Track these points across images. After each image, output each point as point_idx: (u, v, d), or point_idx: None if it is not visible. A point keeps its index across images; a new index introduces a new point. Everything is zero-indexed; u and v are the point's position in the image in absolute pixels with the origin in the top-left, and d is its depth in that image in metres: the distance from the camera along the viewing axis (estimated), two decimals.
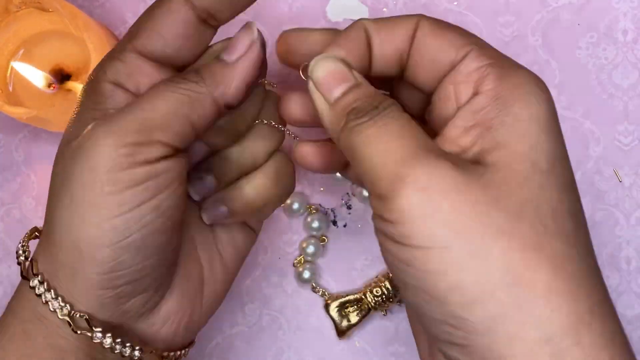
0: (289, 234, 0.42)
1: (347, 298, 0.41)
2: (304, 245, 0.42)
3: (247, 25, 0.30)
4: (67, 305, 0.27)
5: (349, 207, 0.42)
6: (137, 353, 0.28)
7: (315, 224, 0.42)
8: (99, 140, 0.26)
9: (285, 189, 0.33)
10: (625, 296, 0.41)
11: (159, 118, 0.26)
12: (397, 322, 0.42)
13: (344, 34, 0.29)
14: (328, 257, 0.42)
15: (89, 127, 0.26)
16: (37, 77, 0.40)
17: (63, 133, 0.29)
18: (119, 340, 0.28)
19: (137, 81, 0.28)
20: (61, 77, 0.42)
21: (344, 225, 0.42)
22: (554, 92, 0.42)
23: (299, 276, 0.42)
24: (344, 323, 0.41)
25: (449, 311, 0.23)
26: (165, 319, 0.30)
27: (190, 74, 0.28)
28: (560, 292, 0.22)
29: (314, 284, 0.42)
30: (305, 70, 0.29)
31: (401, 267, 0.24)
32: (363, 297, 0.41)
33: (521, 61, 0.42)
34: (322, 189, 0.43)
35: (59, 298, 0.27)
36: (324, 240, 0.42)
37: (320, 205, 0.43)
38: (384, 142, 0.24)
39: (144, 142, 0.26)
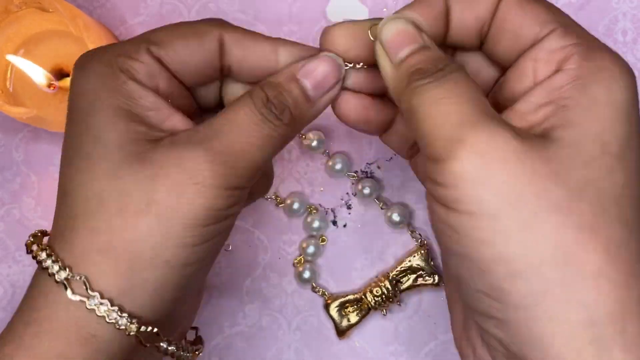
0: (288, 234, 0.42)
1: (347, 298, 0.41)
2: (304, 245, 0.42)
3: (332, 59, 0.28)
4: (135, 321, 0.25)
5: (349, 207, 0.42)
6: (187, 354, 0.29)
7: (316, 224, 0.42)
8: (217, 182, 0.25)
9: None
10: None
11: (263, 163, 0.27)
12: (397, 322, 0.42)
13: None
14: (328, 257, 0.42)
15: (197, 154, 0.25)
16: (36, 73, 0.40)
17: (84, 131, 0.26)
18: (174, 344, 0.28)
19: (156, 82, 0.28)
20: (61, 76, 0.42)
21: (344, 225, 0.42)
22: None
23: (299, 276, 0.42)
24: (344, 323, 0.41)
25: (491, 282, 0.22)
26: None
27: (287, 115, 0.27)
28: (610, 278, 0.21)
29: (314, 284, 0.42)
30: (373, 31, 0.28)
31: (448, 232, 0.23)
32: (363, 297, 0.41)
33: None
34: (321, 189, 0.43)
35: (126, 314, 0.25)
36: (324, 241, 0.42)
37: (320, 205, 0.43)
38: (446, 104, 0.24)
39: (247, 186, 0.27)
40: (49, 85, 0.41)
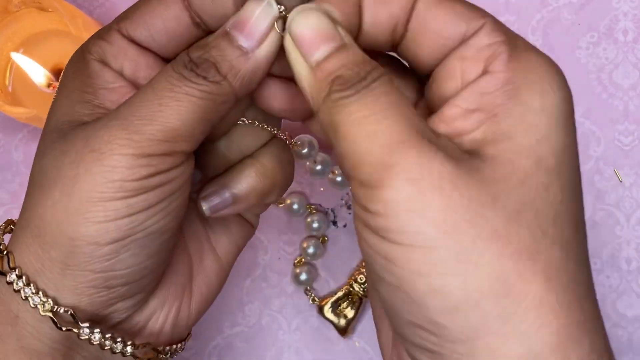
0: (288, 234, 0.42)
1: (336, 296, 0.41)
2: (305, 245, 0.42)
3: (262, 1, 0.25)
4: (50, 300, 0.25)
5: (349, 207, 0.42)
6: (129, 349, 0.26)
7: (315, 224, 0.42)
8: (119, 148, 0.24)
9: (289, 173, 0.31)
10: (626, 296, 0.41)
11: (183, 128, 0.24)
12: None
13: None
14: (328, 257, 0.42)
15: (103, 123, 0.24)
16: (37, 72, 0.40)
17: (47, 115, 0.27)
18: (108, 335, 0.26)
19: (122, 63, 0.27)
20: (60, 76, 0.41)
21: (344, 226, 0.42)
22: None
23: (295, 278, 0.41)
24: (342, 321, 0.41)
25: (427, 315, 0.21)
26: (148, 316, 0.28)
27: (211, 71, 0.25)
28: (551, 306, 0.20)
29: (308, 288, 0.41)
30: (282, 21, 0.25)
31: (380, 261, 0.22)
32: (351, 289, 0.41)
33: None
34: (322, 188, 0.43)
35: (40, 293, 0.25)
36: (324, 241, 0.42)
37: (320, 205, 0.42)
38: (371, 123, 0.22)
39: (166, 153, 0.24)
40: (49, 85, 0.40)
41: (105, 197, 0.24)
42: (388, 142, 0.21)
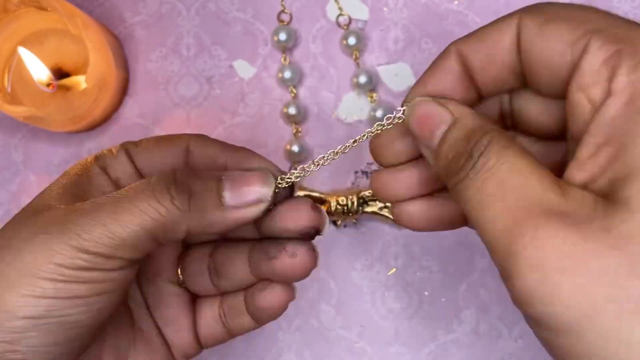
0: None
1: (313, 194, 0.41)
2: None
3: (265, 175, 0.27)
4: None
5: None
6: None
7: None
8: (66, 238, 0.24)
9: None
10: None
11: (130, 238, 0.24)
12: (397, 323, 0.41)
13: (432, 67, 0.25)
14: (328, 258, 0.42)
15: (62, 211, 0.25)
16: (39, 69, 0.40)
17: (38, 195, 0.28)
18: None
19: (118, 175, 0.29)
20: (60, 75, 0.41)
21: (344, 226, 0.42)
22: None
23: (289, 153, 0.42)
24: None
25: None
26: None
27: (181, 198, 0.25)
28: None
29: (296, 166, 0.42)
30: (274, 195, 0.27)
31: (542, 343, 0.21)
32: (328, 199, 0.41)
33: None
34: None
35: None
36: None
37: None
38: (485, 208, 0.21)
39: (107, 256, 0.24)
40: (48, 85, 0.40)
41: (38, 274, 0.24)
42: (506, 224, 0.20)
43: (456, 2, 0.43)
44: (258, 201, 0.26)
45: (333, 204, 0.41)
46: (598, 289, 0.19)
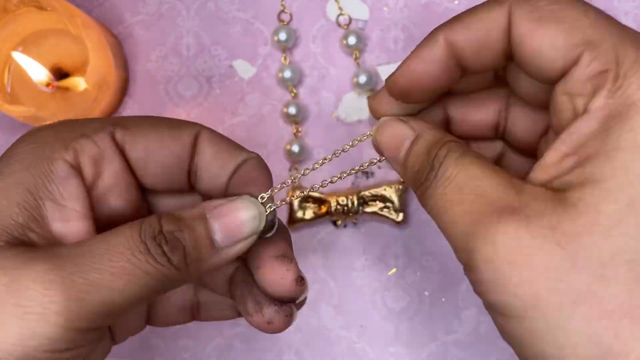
0: None
1: (313, 194, 0.41)
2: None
3: (253, 205, 0.25)
4: None
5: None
6: None
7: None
8: (51, 316, 0.20)
9: None
10: None
11: (123, 304, 0.22)
12: (397, 323, 0.41)
13: (418, 53, 0.25)
14: (328, 258, 0.42)
15: (44, 271, 0.21)
16: (37, 70, 0.40)
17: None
18: None
19: (100, 170, 0.24)
20: (59, 75, 0.41)
21: (344, 226, 0.42)
22: None
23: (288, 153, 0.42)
24: (299, 215, 0.41)
25: None
26: None
27: (177, 254, 0.23)
28: None
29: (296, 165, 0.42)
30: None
31: (497, 327, 0.23)
32: (328, 199, 0.41)
33: None
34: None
35: None
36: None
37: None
38: (447, 213, 0.23)
39: (95, 328, 0.22)
40: (48, 85, 0.40)
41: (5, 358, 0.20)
42: (464, 229, 0.22)
43: (456, 2, 0.43)
44: (249, 235, 0.25)
45: (333, 204, 0.41)
46: (542, 281, 0.20)
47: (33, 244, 0.22)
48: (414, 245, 0.42)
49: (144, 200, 0.27)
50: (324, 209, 0.41)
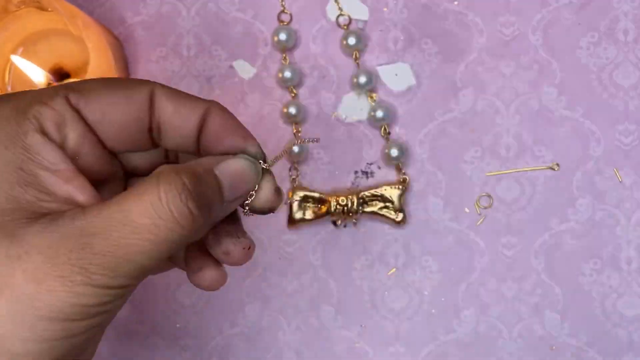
0: (288, 234, 0.42)
1: (312, 194, 0.41)
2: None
3: (251, 164, 0.26)
4: None
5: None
6: None
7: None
8: (89, 279, 0.22)
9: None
10: (626, 296, 0.41)
11: (152, 265, 0.23)
12: (397, 323, 0.41)
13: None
14: (328, 258, 0.42)
15: (74, 253, 0.22)
16: (36, 74, 0.40)
17: None
18: None
19: (65, 134, 0.24)
20: (60, 76, 0.41)
21: (344, 226, 0.42)
22: (554, 92, 0.42)
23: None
24: (299, 215, 0.41)
25: None
26: None
27: (202, 213, 0.23)
28: None
29: (296, 166, 0.41)
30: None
31: None
32: (328, 199, 0.41)
33: (521, 61, 0.42)
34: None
35: None
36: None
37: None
38: None
39: (130, 284, 0.23)
40: (48, 85, 0.40)
41: (61, 317, 0.22)
42: None
43: (456, 2, 0.43)
44: (249, 191, 0.26)
45: (333, 204, 0.41)
46: None
47: (53, 212, 0.23)
48: (414, 245, 0.42)
49: (114, 158, 0.27)
50: (324, 209, 0.41)
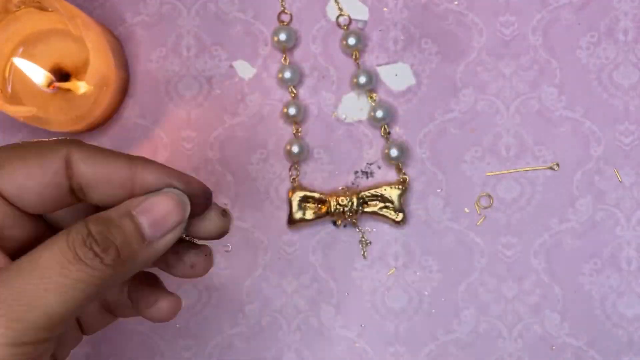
0: (289, 234, 0.42)
1: (312, 194, 0.41)
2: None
3: (175, 196, 0.25)
4: None
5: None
6: None
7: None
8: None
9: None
10: (626, 296, 0.41)
11: (68, 314, 0.23)
12: (397, 323, 0.41)
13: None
14: (328, 258, 0.42)
15: None
16: (36, 73, 0.40)
17: None
18: None
19: None
20: (60, 76, 0.41)
21: (344, 226, 0.42)
22: (554, 92, 0.42)
23: (288, 153, 0.41)
24: (299, 215, 0.41)
25: None
26: None
27: (111, 254, 0.23)
28: None
29: (296, 166, 0.41)
30: None
31: None
32: (328, 199, 0.41)
33: (521, 61, 0.42)
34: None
35: None
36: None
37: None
38: None
39: (43, 339, 0.23)
40: (49, 85, 0.40)
41: None
42: None
43: (456, 2, 0.43)
44: (177, 224, 0.25)
45: (333, 204, 0.41)
46: None
47: None
48: (414, 245, 0.42)
49: (41, 218, 0.27)
50: (323, 209, 0.41)
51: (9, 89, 0.42)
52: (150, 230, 0.25)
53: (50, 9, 0.40)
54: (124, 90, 0.44)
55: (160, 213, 0.25)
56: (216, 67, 0.43)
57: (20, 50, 0.42)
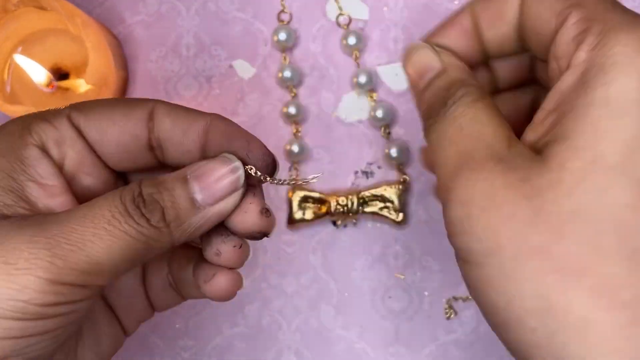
0: (289, 234, 0.42)
1: (312, 194, 0.41)
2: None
3: (230, 161, 0.25)
4: None
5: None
6: None
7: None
8: (36, 270, 0.21)
9: None
10: None
11: (109, 265, 0.23)
12: (397, 323, 0.41)
13: (446, 22, 0.26)
14: (328, 258, 0.42)
15: (26, 234, 0.22)
16: (37, 72, 0.40)
17: None
18: None
19: (64, 152, 0.25)
20: (59, 75, 0.41)
21: (344, 226, 0.42)
22: None
23: (288, 154, 0.41)
24: (298, 215, 0.41)
25: (491, 324, 0.22)
26: None
27: (156, 215, 0.23)
28: (599, 327, 0.19)
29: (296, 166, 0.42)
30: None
31: (462, 275, 0.23)
32: (328, 199, 0.41)
33: None
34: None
35: None
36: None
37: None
38: (443, 150, 0.23)
39: (83, 285, 0.22)
40: (48, 85, 0.40)
41: (2, 314, 0.21)
42: (450, 167, 0.22)
43: (456, 2, 0.43)
44: (232, 191, 0.25)
45: (333, 204, 0.41)
46: (504, 230, 0.20)
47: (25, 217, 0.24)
48: (414, 245, 0.42)
49: (119, 179, 0.28)
50: (323, 209, 0.41)
51: (8, 89, 0.42)
52: (200, 196, 0.24)
53: (49, 9, 0.40)
54: (123, 89, 0.43)
55: (212, 179, 0.25)
56: (216, 67, 0.43)
57: (19, 49, 0.42)
